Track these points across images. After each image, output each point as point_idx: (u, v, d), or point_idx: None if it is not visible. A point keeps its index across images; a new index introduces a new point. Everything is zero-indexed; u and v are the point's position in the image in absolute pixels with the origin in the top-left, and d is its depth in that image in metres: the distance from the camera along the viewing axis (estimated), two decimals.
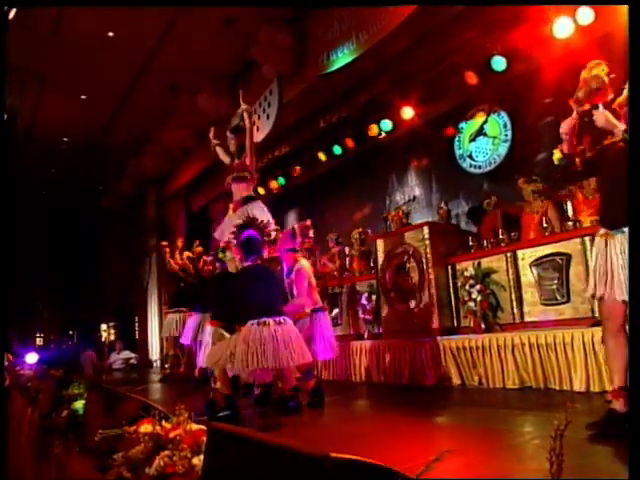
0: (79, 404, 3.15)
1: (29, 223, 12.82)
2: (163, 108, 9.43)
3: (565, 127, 2.93)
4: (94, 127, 10.24)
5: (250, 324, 3.69)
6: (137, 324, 12.17)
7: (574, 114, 2.90)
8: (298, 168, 9.18)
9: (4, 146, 7.98)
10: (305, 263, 4.62)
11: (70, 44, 7.70)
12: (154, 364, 10.87)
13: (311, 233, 4.77)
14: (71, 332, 15.49)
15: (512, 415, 3.59)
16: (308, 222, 4.78)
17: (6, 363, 6.96)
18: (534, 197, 5.35)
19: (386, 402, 4.77)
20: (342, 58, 6.51)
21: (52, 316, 13.99)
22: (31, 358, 8.06)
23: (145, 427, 1.92)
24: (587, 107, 2.87)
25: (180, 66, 8.32)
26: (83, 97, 9.29)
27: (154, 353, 11.03)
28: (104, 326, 13.33)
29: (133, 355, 11.05)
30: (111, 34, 7.64)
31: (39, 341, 15.00)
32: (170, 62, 8.23)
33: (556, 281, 4.44)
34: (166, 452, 1.70)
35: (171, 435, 1.75)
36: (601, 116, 2.71)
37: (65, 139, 10.72)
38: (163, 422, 1.99)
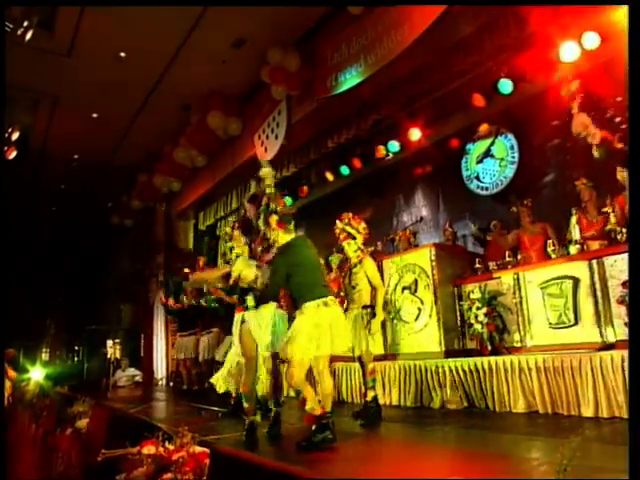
0: (83, 422, 3.14)
1: (38, 239, 12.93)
2: (173, 127, 9.55)
3: None
4: (105, 145, 10.38)
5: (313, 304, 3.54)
6: (143, 341, 12.15)
7: None
8: (305, 188, 9.23)
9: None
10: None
11: (83, 64, 7.85)
12: (159, 382, 10.83)
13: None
14: (77, 348, 15.47)
15: (518, 440, 3.53)
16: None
17: (9, 381, 6.95)
18: (530, 221, 5.39)
19: (390, 424, 4.72)
20: (350, 80, 6.57)
21: (59, 332, 14.00)
22: (37, 374, 8.04)
23: (148, 448, 1.91)
24: None
25: (190, 86, 8.46)
26: (95, 115, 9.43)
27: (159, 371, 11.00)
28: (110, 342, 13.32)
29: (138, 373, 11.01)
30: (123, 54, 7.78)
31: (45, 357, 14.99)
32: (181, 82, 8.37)
33: (563, 304, 4.41)
34: (169, 475, 1.69)
35: (174, 457, 1.74)
36: None
37: (76, 156, 10.85)
38: (166, 443, 1.98)
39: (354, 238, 4.61)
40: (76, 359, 14.06)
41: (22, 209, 11.69)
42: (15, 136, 9.16)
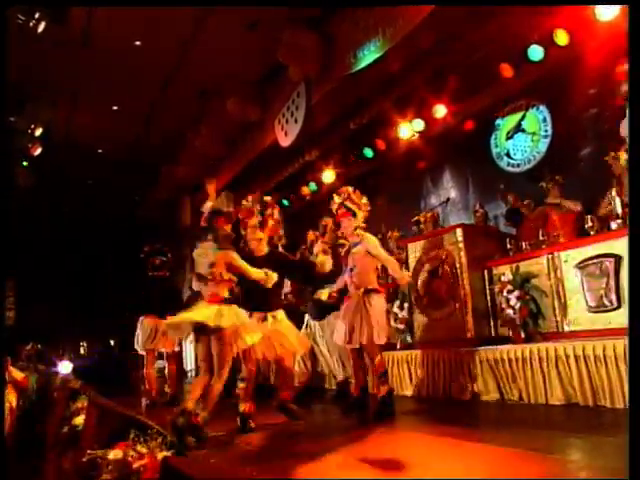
0: (80, 419, 2.96)
1: (68, 234, 13.07)
2: (194, 115, 9.39)
3: None
4: (127, 137, 10.31)
5: None
6: None
7: None
8: (329, 173, 8.95)
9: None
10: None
11: (99, 55, 7.72)
12: (188, 374, 10.78)
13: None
14: (112, 342, 15.61)
15: (556, 437, 3.18)
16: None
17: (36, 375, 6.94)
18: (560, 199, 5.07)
19: (416, 417, 4.44)
20: (369, 55, 6.23)
21: (91, 325, 14.14)
22: (65, 367, 8.06)
23: (115, 453, 1.70)
24: None
25: (208, 72, 8.25)
26: (115, 108, 9.35)
27: (189, 363, 10.96)
28: None
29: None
30: (138, 43, 7.63)
31: (82, 350, 15.19)
32: (198, 68, 8.17)
33: (604, 285, 4.00)
34: None
35: (135, 465, 1.52)
36: None
37: (100, 150, 10.85)
38: (138, 446, 1.75)
39: (355, 215, 4.22)
40: (110, 352, 14.19)
41: (51, 204, 11.80)
42: (38, 132, 9.19)
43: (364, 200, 4.32)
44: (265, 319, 4.01)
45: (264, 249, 4.15)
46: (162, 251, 7.23)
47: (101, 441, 2.34)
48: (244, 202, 4.35)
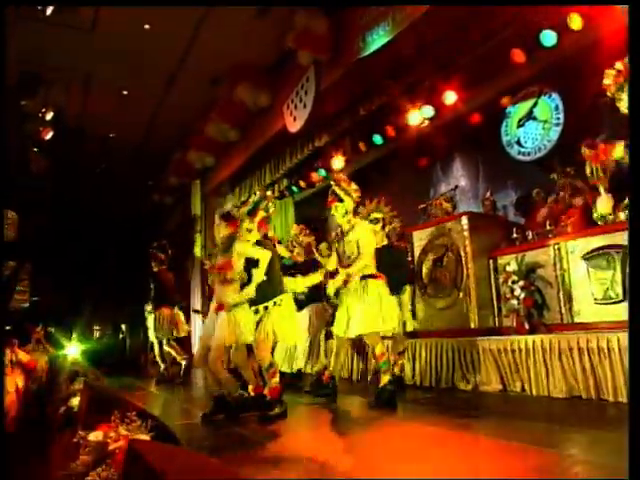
0: (76, 401, 2.99)
1: (81, 219, 13.16)
2: (204, 101, 9.36)
3: None
4: (138, 122, 10.32)
5: None
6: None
7: None
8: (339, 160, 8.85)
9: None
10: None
11: (108, 39, 7.71)
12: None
13: None
14: (123, 326, 15.76)
15: (555, 430, 3.13)
16: None
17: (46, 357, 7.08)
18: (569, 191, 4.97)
19: (417, 407, 4.40)
20: (378, 40, 6.12)
21: (103, 309, 14.28)
22: (73, 350, 8.17)
23: (96, 434, 1.68)
24: None
25: (218, 57, 8.19)
26: (125, 92, 9.34)
27: (194, 348, 11.03)
28: None
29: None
30: (147, 27, 7.59)
31: (97, 334, 15.36)
32: (208, 53, 8.12)
33: (611, 277, 3.91)
34: (101, 468, 1.45)
35: (111, 448, 1.51)
36: None
37: (112, 135, 10.86)
38: (120, 428, 1.74)
39: (341, 201, 4.19)
40: (120, 336, 14.34)
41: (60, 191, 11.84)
42: (49, 116, 9.19)
43: (353, 186, 4.29)
44: (257, 312, 3.96)
45: (252, 240, 4.07)
46: (165, 248, 7.81)
47: (92, 423, 2.33)
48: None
